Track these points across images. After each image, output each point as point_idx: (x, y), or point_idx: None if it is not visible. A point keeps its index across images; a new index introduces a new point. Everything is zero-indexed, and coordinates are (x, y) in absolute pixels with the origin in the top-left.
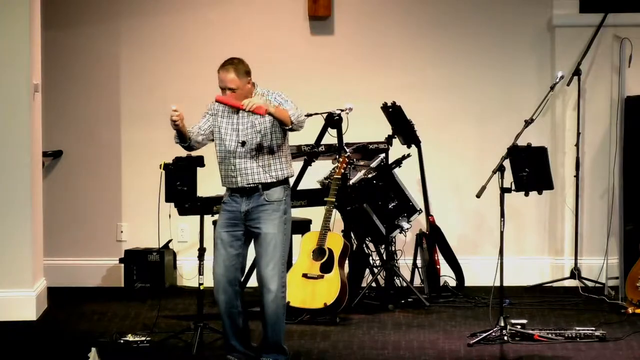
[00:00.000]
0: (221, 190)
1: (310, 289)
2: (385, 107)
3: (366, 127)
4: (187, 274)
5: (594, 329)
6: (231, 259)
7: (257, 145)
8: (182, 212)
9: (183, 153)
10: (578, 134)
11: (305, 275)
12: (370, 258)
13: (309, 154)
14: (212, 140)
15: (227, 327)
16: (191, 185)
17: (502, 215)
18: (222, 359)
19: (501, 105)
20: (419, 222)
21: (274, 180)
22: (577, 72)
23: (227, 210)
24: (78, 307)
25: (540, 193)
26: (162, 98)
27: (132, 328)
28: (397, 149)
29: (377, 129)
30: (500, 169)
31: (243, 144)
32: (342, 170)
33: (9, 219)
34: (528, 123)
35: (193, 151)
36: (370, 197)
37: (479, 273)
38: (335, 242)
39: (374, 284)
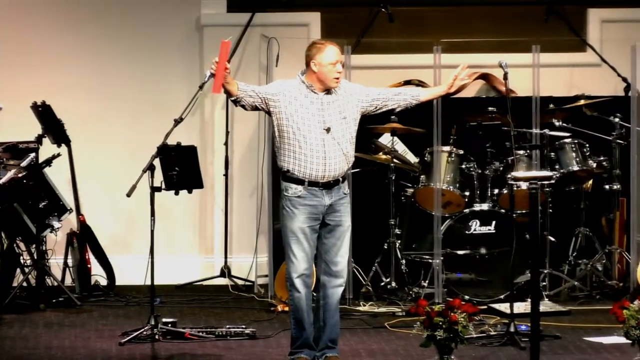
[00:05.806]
0: None
1: None
2: (35, 107)
3: (16, 126)
4: None
5: (244, 326)
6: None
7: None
8: None
9: None
10: (227, 132)
11: None
12: (21, 257)
13: None
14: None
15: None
16: None
17: (153, 214)
18: None
19: (152, 104)
20: (70, 221)
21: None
22: None
23: (307, 204)
24: None
25: (190, 192)
26: None
27: None
28: (48, 148)
29: (28, 128)
30: (151, 167)
31: (328, 130)
32: None
33: None
34: (177, 122)
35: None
36: (21, 197)
37: (131, 272)
38: None
39: (25, 284)
